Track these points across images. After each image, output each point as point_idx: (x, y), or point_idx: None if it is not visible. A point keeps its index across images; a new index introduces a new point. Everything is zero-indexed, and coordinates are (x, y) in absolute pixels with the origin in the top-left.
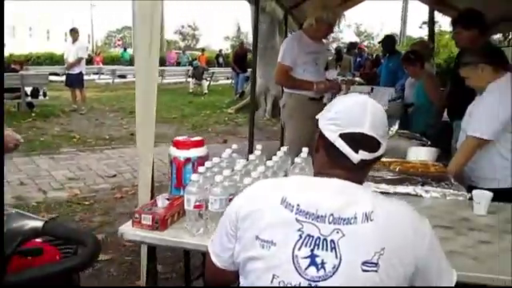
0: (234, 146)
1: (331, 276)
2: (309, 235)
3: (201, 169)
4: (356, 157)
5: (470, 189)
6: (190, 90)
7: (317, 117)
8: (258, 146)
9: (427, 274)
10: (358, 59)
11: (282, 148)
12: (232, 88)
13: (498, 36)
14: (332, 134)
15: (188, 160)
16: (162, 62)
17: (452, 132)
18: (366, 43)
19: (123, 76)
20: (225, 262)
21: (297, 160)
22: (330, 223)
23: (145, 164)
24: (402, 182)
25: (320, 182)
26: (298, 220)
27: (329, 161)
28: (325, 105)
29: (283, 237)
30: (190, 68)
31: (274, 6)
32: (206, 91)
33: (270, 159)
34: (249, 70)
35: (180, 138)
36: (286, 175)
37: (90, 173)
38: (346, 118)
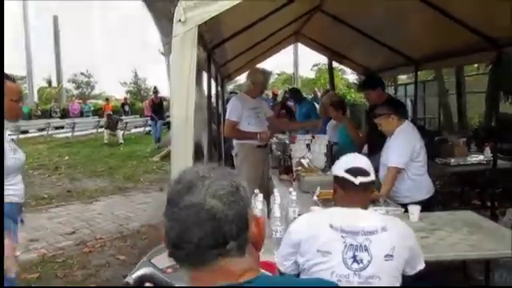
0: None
1: (367, 267)
2: (351, 244)
3: None
4: (356, 180)
5: None
6: (105, 141)
7: (333, 173)
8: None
9: (414, 256)
10: (270, 103)
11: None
12: (146, 136)
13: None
14: (341, 172)
15: None
16: (65, 115)
17: None
18: None
19: (25, 131)
20: (287, 267)
21: (292, 198)
22: (362, 235)
23: None
24: None
25: (348, 211)
26: (342, 236)
27: (344, 194)
28: (270, 150)
29: (335, 248)
30: (96, 118)
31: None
32: (122, 141)
33: None
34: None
35: None
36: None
37: (47, 232)
38: (346, 162)
